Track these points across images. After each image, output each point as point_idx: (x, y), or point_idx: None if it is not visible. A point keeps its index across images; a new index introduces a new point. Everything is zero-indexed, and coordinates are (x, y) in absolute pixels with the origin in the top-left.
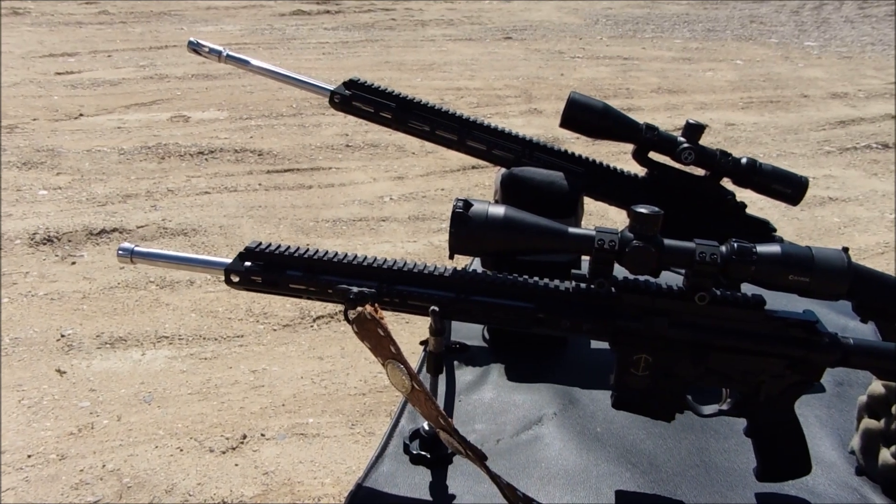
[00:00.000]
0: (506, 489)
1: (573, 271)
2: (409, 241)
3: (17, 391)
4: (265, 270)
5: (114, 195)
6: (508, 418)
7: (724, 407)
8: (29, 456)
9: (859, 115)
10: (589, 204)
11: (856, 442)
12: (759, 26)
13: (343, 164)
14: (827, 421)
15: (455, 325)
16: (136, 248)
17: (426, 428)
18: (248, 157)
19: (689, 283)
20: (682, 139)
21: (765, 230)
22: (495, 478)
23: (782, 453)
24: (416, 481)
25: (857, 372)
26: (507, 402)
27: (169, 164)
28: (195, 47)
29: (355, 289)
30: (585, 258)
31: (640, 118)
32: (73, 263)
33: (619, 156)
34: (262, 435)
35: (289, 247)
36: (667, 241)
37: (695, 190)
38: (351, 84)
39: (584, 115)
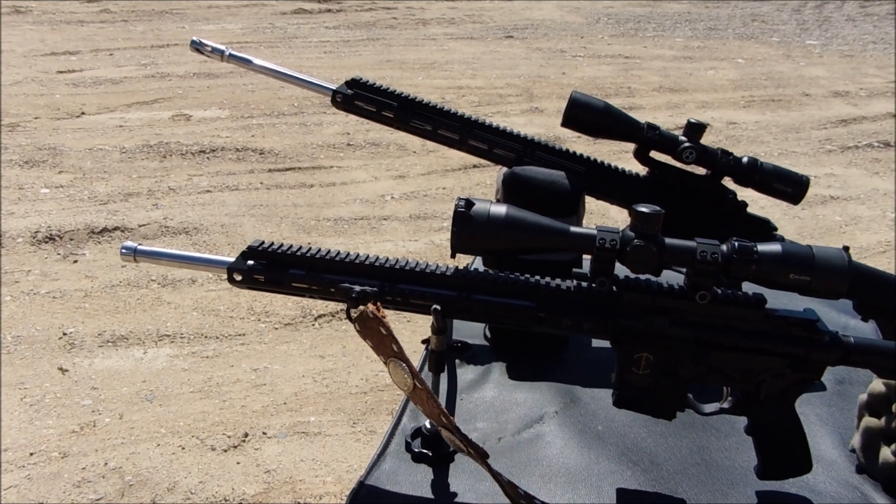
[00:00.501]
0: (507, 487)
1: (574, 270)
2: (411, 239)
3: (19, 389)
4: (268, 269)
5: (115, 194)
6: (510, 416)
7: (725, 405)
8: (31, 454)
9: (861, 114)
10: (590, 203)
11: (856, 440)
12: (761, 25)
13: (344, 163)
14: (827, 419)
15: (457, 323)
16: (140, 247)
17: (428, 426)
18: (250, 155)
19: (690, 282)
20: (683, 138)
21: (766, 229)
22: (497, 476)
23: (783, 451)
24: (418, 479)
25: (857, 370)
26: (509, 400)
27: (170, 163)
28: (198, 46)
29: (357, 287)
30: (587, 257)
31: (642, 117)
32: (75, 262)
33: (620, 155)
34: (264, 433)
35: (291, 245)
36: (668, 240)
37: (696, 189)
38: (353, 83)
39: (585, 115)
